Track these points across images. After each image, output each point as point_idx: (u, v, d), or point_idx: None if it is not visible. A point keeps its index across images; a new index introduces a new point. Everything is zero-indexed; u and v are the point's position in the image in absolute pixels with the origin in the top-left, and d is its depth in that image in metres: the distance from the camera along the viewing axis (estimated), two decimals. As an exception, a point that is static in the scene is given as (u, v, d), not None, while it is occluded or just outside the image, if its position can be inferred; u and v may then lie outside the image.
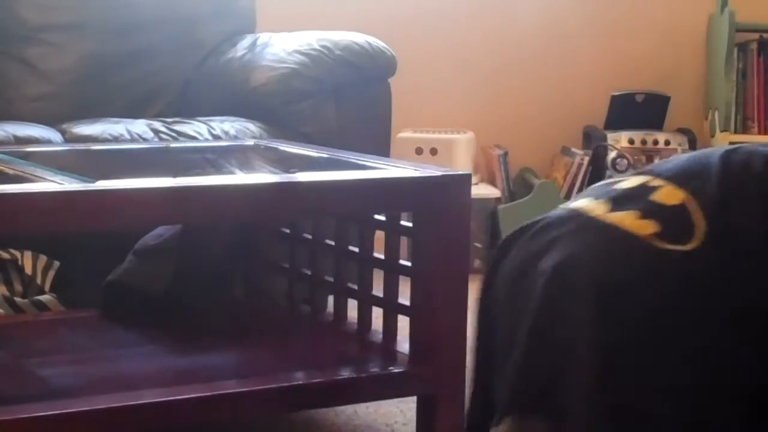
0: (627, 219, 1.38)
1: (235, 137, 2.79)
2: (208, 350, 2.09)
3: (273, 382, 1.87)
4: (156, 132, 2.78)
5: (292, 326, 2.32)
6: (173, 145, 2.63)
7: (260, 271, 2.48)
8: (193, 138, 2.77)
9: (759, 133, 3.95)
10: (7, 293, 2.44)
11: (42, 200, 1.65)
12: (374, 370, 1.99)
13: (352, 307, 2.24)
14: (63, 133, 2.74)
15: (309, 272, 2.34)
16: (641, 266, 1.33)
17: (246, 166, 2.33)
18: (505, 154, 3.99)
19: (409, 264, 2.06)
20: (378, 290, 2.16)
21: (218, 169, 2.25)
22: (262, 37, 3.19)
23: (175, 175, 1.90)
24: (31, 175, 1.87)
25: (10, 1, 3.12)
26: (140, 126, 2.80)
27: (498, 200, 3.89)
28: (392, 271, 2.11)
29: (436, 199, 1.94)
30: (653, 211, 1.38)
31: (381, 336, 2.15)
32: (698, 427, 1.28)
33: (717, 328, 1.30)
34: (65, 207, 1.66)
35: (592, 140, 3.99)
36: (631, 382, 1.31)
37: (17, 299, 2.42)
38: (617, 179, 1.50)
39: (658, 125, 4.05)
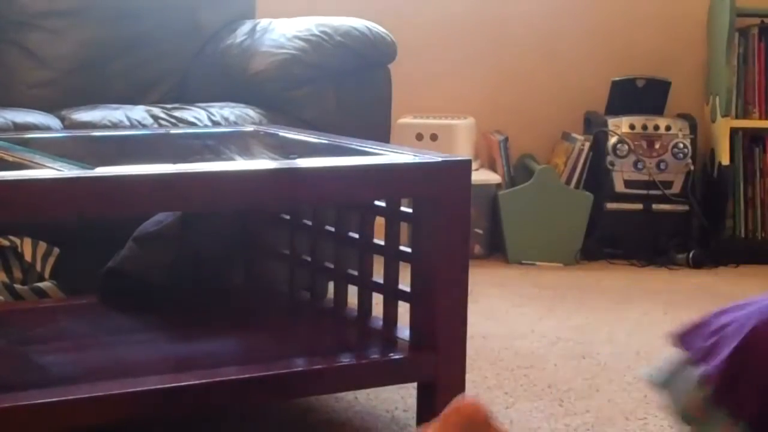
0: None
1: (235, 123, 2.78)
2: (208, 337, 2.09)
3: (273, 369, 1.87)
4: (155, 118, 2.77)
5: (292, 313, 2.32)
6: (173, 131, 2.62)
7: (260, 258, 2.48)
8: (193, 124, 2.76)
9: (760, 118, 3.94)
10: (6, 280, 2.44)
11: (41, 187, 1.64)
12: (374, 356, 1.99)
13: (353, 294, 2.24)
14: (62, 119, 2.74)
15: (309, 259, 2.34)
16: None
17: (246, 153, 2.33)
18: (506, 139, 3.98)
19: (409, 250, 2.06)
20: (378, 276, 2.16)
21: (218, 156, 2.25)
22: (262, 22, 3.19)
23: (174, 161, 1.90)
24: (31, 161, 1.86)
25: (9, -12, 3.12)
26: (139, 112, 2.80)
27: (498, 186, 3.89)
28: (392, 257, 2.11)
29: (437, 185, 1.94)
30: None
31: (381, 322, 2.15)
32: None
33: None
34: (65, 194, 1.66)
35: (593, 126, 3.98)
36: None
37: (17, 286, 2.42)
38: None
39: (659, 110, 4.05)
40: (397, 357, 1.99)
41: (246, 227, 2.48)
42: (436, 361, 1.99)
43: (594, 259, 3.86)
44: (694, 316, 3.25)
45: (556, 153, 4.06)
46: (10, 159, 1.93)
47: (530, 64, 4.14)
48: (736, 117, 3.93)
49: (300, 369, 1.89)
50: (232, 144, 2.36)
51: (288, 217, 2.39)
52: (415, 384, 2.10)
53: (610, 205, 3.90)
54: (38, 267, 2.49)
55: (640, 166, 3.88)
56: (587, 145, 3.90)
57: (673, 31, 4.19)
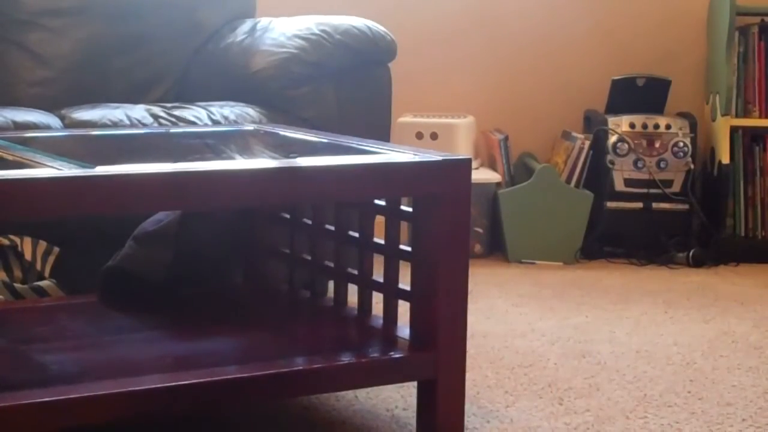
0: None
1: (235, 122, 2.78)
2: (208, 336, 2.09)
3: (273, 368, 1.87)
4: (155, 117, 2.77)
5: (292, 311, 2.32)
6: (173, 130, 2.62)
7: (260, 257, 2.48)
8: (193, 123, 2.76)
9: (760, 117, 3.94)
10: (6, 279, 2.44)
11: (41, 186, 1.64)
12: (374, 355, 1.99)
13: (353, 293, 2.24)
14: (62, 118, 2.74)
15: (309, 257, 2.34)
16: None
17: (246, 152, 2.33)
18: (506, 138, 3.98)
19: (409, 249, 2.06)
20: (378, 275, 2.16)
21: (218, 155, 2.24)
22: (262, 21, 3.19)
23: (174, 160, 1.90)
24: (31, 160, 1.86)
25: (9, -14, 3.12)
26: (139, 111, 2.80)
27: (498, 185, 3.89)
28: (392, 256, 2.11)
29: (437, 184, 1.94)
30: None
31: (381, 321, 2.15)
32: None
33: None
34: (64, 193, 1.65)
35: (593, 124, 3.98)
36: None
37: (17, 285, 2.42)
38: None
39: (659, 109, 4.04)
40: (397, 356, 1.99)
41: (246, 226, 2.48)
42: (436, 360, 1.99)
43: (594, 258, 3.86)
44: (694, 315, 3.27)
45: (556, 152, 4.06)
46: (10, 158, 1.93)
47: (530, 62, 4.14)
48: (736, 116, 3.93)
49: (300, 368, 1.89)
50: (232, 143, 2.36)
51: (288, 215, 2.39)
52: (415, 383, 2.11)
53: (610, 204, 3.90)
54: (38, 266, 2.49)
55: (640, 164, 3.88)
56: (587, 143, 3.90)
57: (673, 29, 4.19)
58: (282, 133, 2.48)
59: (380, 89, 3.03)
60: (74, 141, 2.36)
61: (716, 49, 4.00)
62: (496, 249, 3.90)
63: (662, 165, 3.88)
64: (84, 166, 1.74)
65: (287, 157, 1.98)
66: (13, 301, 2.37)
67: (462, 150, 3.78)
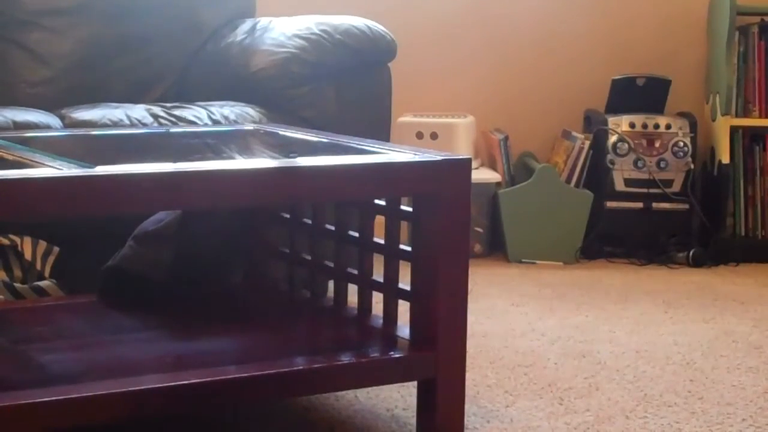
0: None
1: (235, 122, 2.78)
2: (208, 335, 2.09)
3: (273, 368, 1.87)
4: (155, 117, 2.77)
5: (292, 311, 2.32)
6: (173, 130, 2.62)
7: (260, 256, 2.48)
8: (193, 123, 2.76)
9: (760, 116, 3.94)
10: (6, 279, 2.44)
11: (41, 186, 1.64)
12: (374, 355, 1.99)
13: (353, 292, 2.24)
14: (62, 118, 2.74)
15: (309, 257, 2.34)
16: None
17: (246, 151, 2.33)
18: (506, 138, 3.98)
19: (409, 249, 2.06)
20: (378, 275, 2.16)
21: (218, 154, 2.24)
22: (262, 21, 3.19)
23: (174, 160, 1.90)
24: (30, 160, 1.86)
25: (9, -14, 3.12)
26: (139, 111, 2.80)
27: (498, 185, 3.89)
28: (392, 255, 2.11)
29: (437, 184, 1.94)
30: None
31: (381, 321, 2.15)
32: None
33: None
34: (64, 192, 1.65)
35: (593, 124, 3.98)
36: None
37: (17, 285, 2.42)
38: None
39: (659, 109, 4.04)
40: (397, 356, 1.99)
41: (246, 226, 2.48)
42: (436, 360, 1.99)
43: (594, 257, 3.86)
44: (693, 314, 3.27)
45: (556, 151, 4.06)
46: (10, 158, 1.93)
47: (530, 62, 4.14)
48: (737, 115, 3.93)
49: (300, 368, 1.89)
50: (232, 143, 2.36)
51: (288, 215, 2.39)
52: (415, 383, 2.11)
53: (610, 204, 3.90)
54: (38, 266, 2.49)
55: (640, 164, 3.88)
56: (587, 143, 3.90)
57: (673, 29, 4.19)
58: (282, 133, 2.48)
59: (380, 89, 3.03)
60: (74, 141, 2.36)
61: (716, 48, 4.00)
62: (496, 249, 3.90)
63: (662, 165, 3.88)
64: (84, 166, 1.74)
65: (287, 156, 1.98)
66: (13, 301, 2.37)
67: (462, 150, 3.78)
